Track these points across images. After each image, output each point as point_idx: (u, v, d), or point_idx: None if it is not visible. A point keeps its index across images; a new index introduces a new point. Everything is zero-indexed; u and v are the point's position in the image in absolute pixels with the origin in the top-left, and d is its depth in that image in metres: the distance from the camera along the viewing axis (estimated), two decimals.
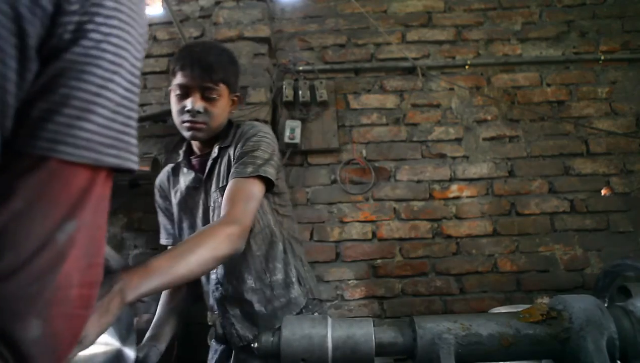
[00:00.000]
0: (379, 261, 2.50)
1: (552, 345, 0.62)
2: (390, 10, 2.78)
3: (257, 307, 1.32)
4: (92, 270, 0.48)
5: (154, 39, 2.87)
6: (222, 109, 1.30)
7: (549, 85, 2.67)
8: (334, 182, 2.58)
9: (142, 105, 2.81)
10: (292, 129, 2.49)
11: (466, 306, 2.43)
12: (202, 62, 1.24)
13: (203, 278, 1.41)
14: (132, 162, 0.50)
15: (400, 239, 2.51)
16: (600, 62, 2.66)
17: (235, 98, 1.39)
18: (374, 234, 2.53)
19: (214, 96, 1.27)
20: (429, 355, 0.62)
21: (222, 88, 1.29)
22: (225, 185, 1.26)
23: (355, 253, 2.50)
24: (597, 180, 2.55)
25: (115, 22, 0.47)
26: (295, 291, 1.36)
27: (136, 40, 0.50)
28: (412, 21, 2.76)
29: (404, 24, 2.76)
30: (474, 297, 2.44)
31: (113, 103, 0.47)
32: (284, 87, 2.57)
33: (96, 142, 0.46)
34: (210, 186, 1.35)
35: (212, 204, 1.34)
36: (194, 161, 1.40)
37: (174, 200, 1.42)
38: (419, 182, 2.57)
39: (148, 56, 2.84)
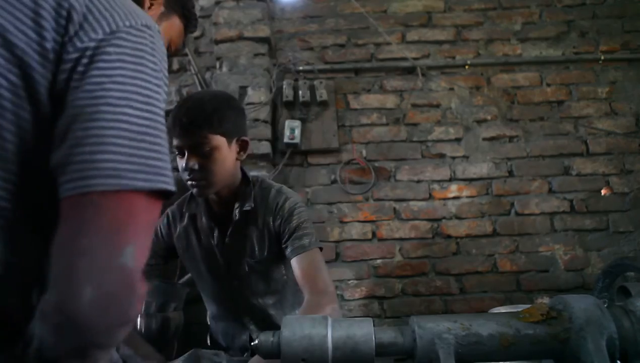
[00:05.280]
0: (379, 261, 2.50)
1: (552, 345, 0.62)
2: (390, 10, 2.78)
3: None
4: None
5: None
6: (220, 161, 1.23)
7: (549, 85, 2.67)
8: (333, 182, 2.58)
9: None
10: (292, 129, 2.49)
11: (466, 306, 2.43)
12: (185, 121, 1.19)
13: (220, 323, 1.46)
14: (164, 183, 0.53)
15: (400, 239, 2.51)
16: (600, 62, 2.66)
17: (240, 142, 1.30)
18: (374, 234, 2.53)
19: (207, 149, 1.21)
20: (428, 355, 0.61)
21: (215, 139, 1.21)
22: (266, 257, 1.33)
23: (355, 253, 2.50)
24: (596, 180, 2.55)
25: (118, 65, 0.53)
26: None
27: (149, 75, 0.55)
28: (412, 21, 2.76)
29: (404, 24, 2.76)
30: (474, 297, 2.44)
31: (131, 133, 0.51)
32: (283, 87, 2.57)
33: (122, 170, 0.50)
34: (233, 248, 1.34)
35: (246, 270, 1.35)
36: (217, 218, 1.37)
37: (194, 247, 1.39)
38: (418, 182, 2.57)
39: None
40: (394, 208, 2.55)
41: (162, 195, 0.55)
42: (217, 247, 1.36)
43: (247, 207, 1.31)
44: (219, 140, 1.22)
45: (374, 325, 0.65)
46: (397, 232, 2.52)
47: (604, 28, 2.71)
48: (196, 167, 1.20)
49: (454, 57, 2.72)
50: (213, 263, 1.37)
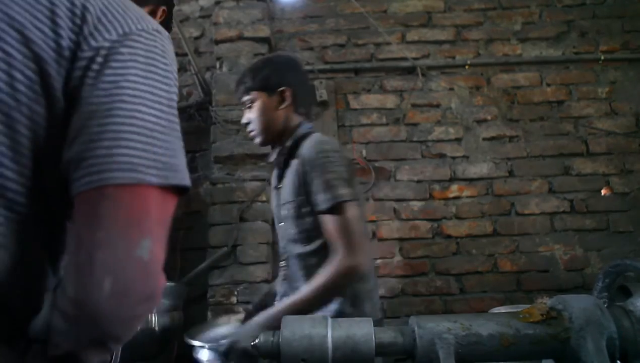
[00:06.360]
0: (379, 261, 2.49)
1: (552, 345, 0.62)
2: (390, 10, 2.78)
3: None
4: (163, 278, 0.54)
5: None
6: (260, 111, 1.44)
7: (549, 85, 2.67)
8: None
9: None
10: None
11: (466, 306, 2.43)
12: (236, 85, 1.48)
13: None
14: (177, 179, 0.55)
15: (400, 239, 2.51)
16: (600, 62, 2.66)
17: (278, 94, 1.44)
18: (374, 234, 2.52)
19: (250, 105, 1.45)
20: (428, 355, 0.61)
21: (254, 94, 1.44)
22: (292, 202, 1.37)
23: None
24: (597, 180, 2.55)
25: (131, 64, 0.55)
26: (368, 307, 1.35)
27: (160, 75, 0.57)
28: (412, 21, 2.76)
29: (404, 24, 2.76)
30: (474, 297, 2.44)
31: (145, 129, 0.53)
32: None
33: (137, 164, 0.51)
34: (279, 192, 1.47)
35: (284, 213, 1.41)
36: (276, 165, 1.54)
37: (271, 191, 1.59)
38: (419, 182, 2.57)
39: None
40: (394, 208, 2.55)
41: (178, 192, 0.56)
42: (273, 191, 1.53)
43: (283, 155, 1.46)
44: (257, 94, 1.44)
45: (373, 325, 0.65)
46: (397, 232, 2.52)
47: (604, 28, 2.71)
48: (245, 120, 1.47)
49: (454, 57, 2.72)
50: (274, 206, 1.54)
